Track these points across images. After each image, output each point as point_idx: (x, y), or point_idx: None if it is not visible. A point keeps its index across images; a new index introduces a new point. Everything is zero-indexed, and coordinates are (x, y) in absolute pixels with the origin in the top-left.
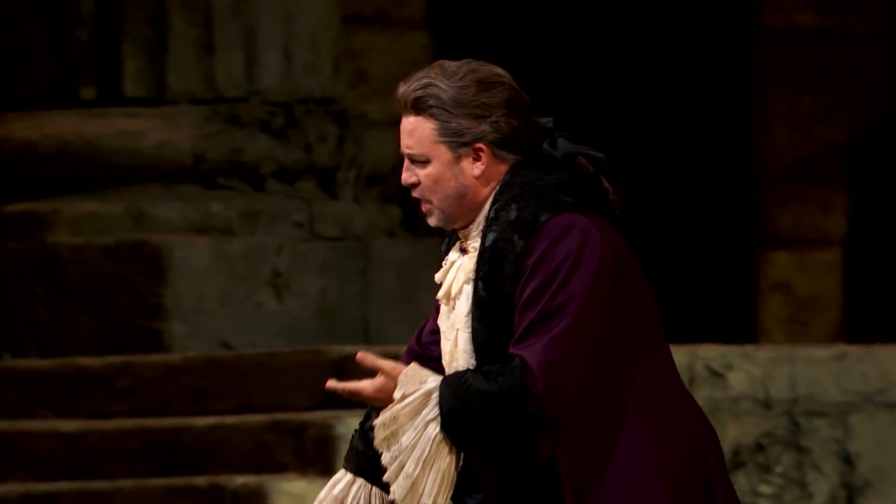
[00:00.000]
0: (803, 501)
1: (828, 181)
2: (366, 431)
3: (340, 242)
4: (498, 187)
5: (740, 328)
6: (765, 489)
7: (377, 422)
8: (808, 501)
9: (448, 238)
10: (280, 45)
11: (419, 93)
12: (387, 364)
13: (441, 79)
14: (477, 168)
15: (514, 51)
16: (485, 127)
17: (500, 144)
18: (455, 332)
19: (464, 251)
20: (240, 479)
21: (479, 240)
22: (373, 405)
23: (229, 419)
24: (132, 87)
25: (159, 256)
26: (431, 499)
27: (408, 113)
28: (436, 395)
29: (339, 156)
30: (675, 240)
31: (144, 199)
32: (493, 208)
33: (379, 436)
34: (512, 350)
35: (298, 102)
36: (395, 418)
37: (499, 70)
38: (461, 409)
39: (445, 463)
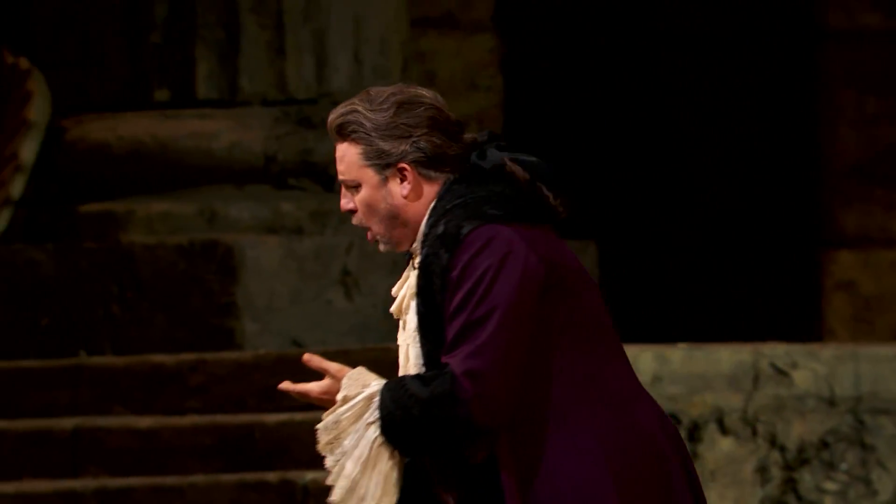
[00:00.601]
0: (868, 498)
1: (892, 181)
2: None
3: None
4: (431, 206)
5: (805, 327)
6: (830, 486)
7: (320, 425)
8: (873, 499)
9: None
10: (350, 47)
11: (341, 119)
12: (332, 366)
13: (363, 104)
14: (404, 188)
15: (582, 53)
16: (405, 147)
17: (424, 163)
18: (406, 347)
19: (416, 268)
20: (310, 475)
21: (420, 257)
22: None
23: (300, 416)
24: (205, 89)
25: (231, 255)
26: (374, 501)
27: (336, 140)
28: (377, 398)
29: None
30: (741, 240)
31: (217, 199)
32: (427, 225)
33: (322, 439)
34: (443, 359)
35: None
36: (337, 422)
37: (422, 91)
38: (399, 413)
39: (387, 466)
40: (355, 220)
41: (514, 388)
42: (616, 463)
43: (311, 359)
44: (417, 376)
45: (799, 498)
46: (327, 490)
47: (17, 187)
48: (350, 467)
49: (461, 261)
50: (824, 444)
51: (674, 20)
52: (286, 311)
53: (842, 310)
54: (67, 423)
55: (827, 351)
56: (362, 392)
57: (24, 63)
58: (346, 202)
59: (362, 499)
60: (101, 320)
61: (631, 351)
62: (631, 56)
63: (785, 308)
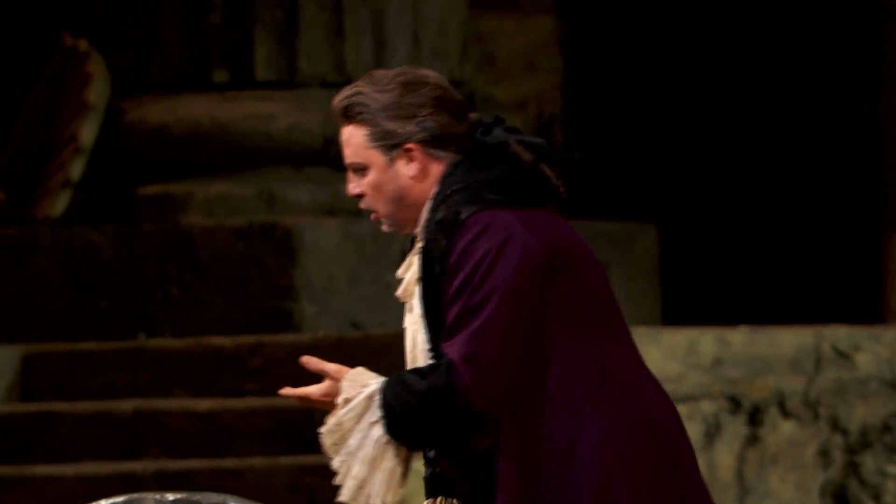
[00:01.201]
0: None
1: None
2: (425, 455)
3: None
4: (435, 190)
5: (867, 309)
6: (892, 470)
7: (324, 429)
8: None
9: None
10: (408, 29)
11: (346, 101)
12: (331, 367)
13: (368, 86)
14: (411, 168)
15: (641, 34)
16: (412, 127)
17: (431, 143)
18: (413, 330)
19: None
20: None
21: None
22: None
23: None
24: (263, 70)
25: (290, 238)
26: (380, 499)
27: (342, 123)
28: (378, 397)
29: None
30: (802, 222)
31: (275, 181)
32: (429, 209)
33: (327, 442)
34: (441, 346)
35: None
36: (339, 424)
37: (427, 72)
38: (399, 409)
39: (392, 463)
40: (363, 204)
41: (512, 374)
42: (622, 446)
43: (310, 361)
44: (415, 370)
45: (861, 482)
46: None
47: (76, 170)
48: (357, 467)
49: (459, 246)
50: (887, 428)
51: (733, 1)
52: (344, 294)
53: None
54: (127, 405)
55: (889, 333)
56: (362, 392)
57: (83, 45)
58: (353, 186)
59: (370, 497)
60: (159, 303)
61: (691, 334)
62: (690, 37)
63: (847, 290)
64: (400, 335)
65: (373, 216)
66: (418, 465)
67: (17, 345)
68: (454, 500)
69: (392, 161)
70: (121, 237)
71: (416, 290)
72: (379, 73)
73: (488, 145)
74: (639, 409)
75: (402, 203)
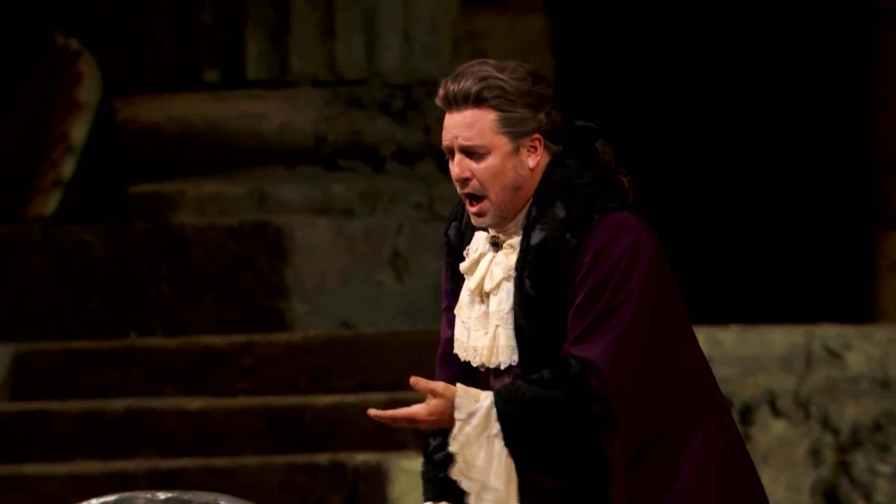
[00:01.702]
0: None
1: None
2: (432, 458)
3: None
4: (539, 184)
5: (858, 308)
6: (883, 469)
7: (453, 448)
8: None
9: (458, 222)
10: (400, 27)
11: (481, 84)
12: (439, 386)
13: (496, 72)
14: (532, 159)
15: (633, 33)
16: (542, 117)
17: (551, 136)
18: (494, 328)
19: (496, 245)
20: (360, 457)
21: (516, 236)
22: (429, 429)
23: (350, 397)
24: (255, 69)
25: (281, 237)
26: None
27: (464, 106)
28: (494, 410)
29: None
30: (793, 221)
31: (267, 180)
32: (536, 206)
33: (458, 463)
34: (571, 350)
35: (418, 84)
36: (468, 440)
37: (537, 68)
38: (521, 420)
39: (514, 475)
40: (470, 189)
41: (637, 376)
42: (721, 464)
43: (418, 382)
44: (532, 381)
45: (852, 481)
46: (377, 471)
47: (67, 168)
48: (494, 481)
49: (593, 246)
50: (878, 427)
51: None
52: (336, 293)
53: (895, 291)
54: (119, 404)
55: (880, 332)
56: (479, 407)
57: (74, 44)
58: (461, 170)
59: None
60: (151, 301)
61: None
62: (682, 35)
63: (838, 289)
64: (392, 334)
65: (477, 206)
66: (410, 465)
67: (8, 343)
68: None
69: (517, 150)
70: (112, 236)
71: (505, 286)
72: (492, 62)
73: (583, 147)
74: (723, 417)
75: (517, 193)
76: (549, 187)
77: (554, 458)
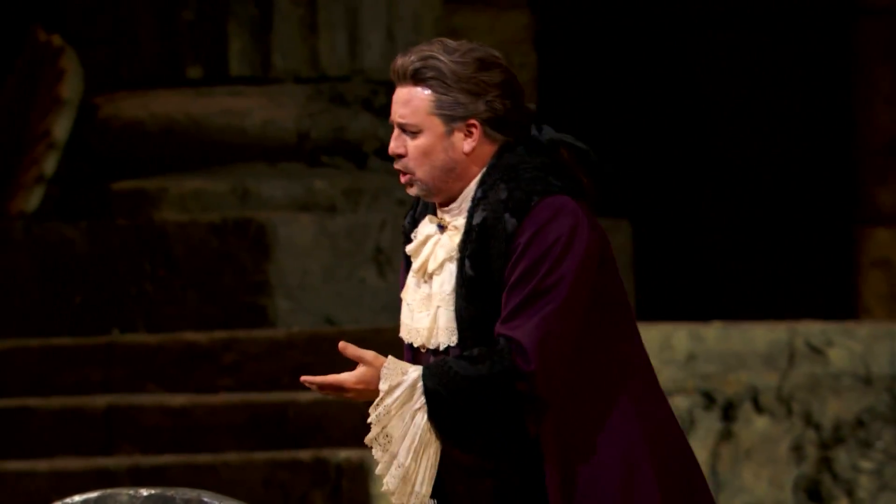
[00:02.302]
0: None
1: None
2: None
3: None
4: (486, 168)
5: (841, 305)
6: (865, 465)
7: (372, 418)
8: None
9: (413, 211)
10: (383, 24)
11: (419, 63)
12: (368, 354)
13: (442, 53)
14: (467, 144)
15: (616, 31)
16: (480, 105)
17: (491, 124)
18: (435, 308)
19: (441, 227)
20: (343, 454)
21: (460, 218)
22: (357, 400)
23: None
24: (237, 66)
25: (264, 233)
26: (423, 487)
27: (405, 83)
28: (420, 384)
29: None
30: (776, 218)
31: (249, 176)
32: (481, 188)
33: (373, 432)
34: (500, 329)
35: None
36: (388, 412)
37: (496, 52)
38: (447, 396)
39: (433, 451)
40: (399, 165)
41: (568, 361)
42: (655, 445)
43: (347, 347)
44: (461, 357)
45: (834, 477)
46: (360, 468)
47: (49, 165)
48: (402, 456)
49: (530, 228)
50: (860, 423)
51: None
52: (319, 290)
53: (878, 287)
54: (100, 400)
55: (863, 329)
56: (404, 379)
57: (56, 40)
58: (397, 145)
59: (414, 486)
60: (133, 298)
61: (665, 329)
62: (665, 34)
63: (820, 286)
64: (375, 331)
65: (404, 178)
66: None
67: None
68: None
69: (450, 132)
70: (94, 232)
71: (449, 267)
72: (450, 42)
73: (536, 140)
74: (663, 402)
75: (450, 175)
76: (495, 170)
77: (481, 437)
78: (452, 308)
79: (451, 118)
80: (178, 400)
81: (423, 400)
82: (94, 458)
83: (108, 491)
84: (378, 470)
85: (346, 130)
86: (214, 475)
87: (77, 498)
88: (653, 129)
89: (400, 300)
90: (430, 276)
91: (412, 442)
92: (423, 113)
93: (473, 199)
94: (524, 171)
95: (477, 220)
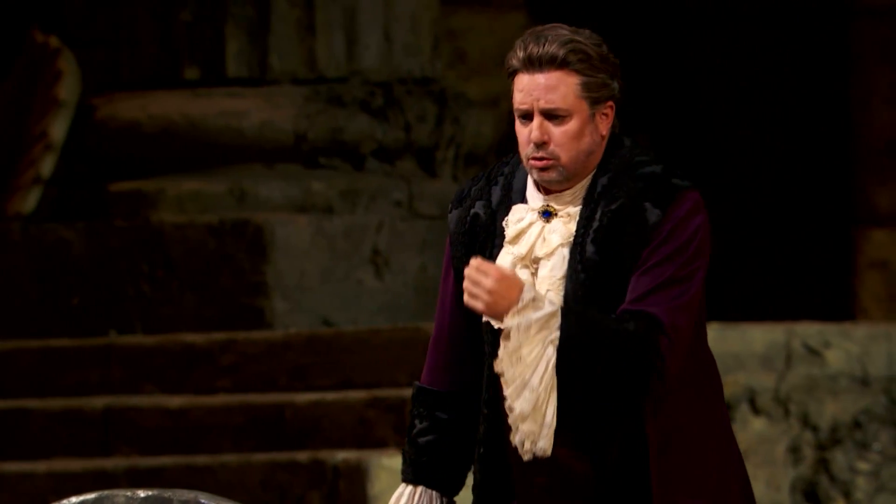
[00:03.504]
0: None
1: None
2: (416, 441)
3: (439, 221)
4: (602, 157)
5: (838, 306)
6: (862, 466)
7: (508, 324)
8: None
9: (484, 205)
10: (380, 25)
11: (567, 47)
12: (507, 269)
13: (582, 38)
14: (605, 126)
15: (612, 31)
16: (616, 85)
17: (619, 105)
18: (545, 293)
19: (548, 214)
20: (341, 455)
21: (572, 206)
22: (481, 309)
23: (330, 395)
24: (235, 67)
25: (261, 234)
26: (553, 420)
27: (549, 69)
28: (559, 318)
29: (438, 135)
30: (774, 219)
31: (247, 178)
32: (604, 176)
33: (510, 346)
34: (634, 306)
35: (398, 82)
36: (528, 326)
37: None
38: (584, 337)
39: (555, 393)
40: (544, 152)
41: (686, 354)
42: (732, 445)
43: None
44: (607, 314)
45: (831, 478)
46: (357, 469)
47: (47, 166)
48: (536, 383)
49: (674, 217)
50: (857, 424)
51: None
52: (316, 290)
53: (875, 289)
54: (98, 402)
55: (860, 330)
56: (547, 304)
57: (54, 42)
58: (540, 133)
59: (545, 416)
60: (131, 299)
61: None
62: (663, 34)
63: (818, 287)
64: (372, 332)
65: (545, 162)
66: (390, 463)
67: None
68: (434, 492)
69: (593, 116)
70: (92, 234)
71: (561, 252)
72: (570, 27)
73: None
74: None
75: (589, 158)
76: (619, 159)
77: (598, 393)
78: (562, 293)
79: (597, 100)
80: (176, 401)
81: (557, 333)
82: (92, 460)
83: (106, 492)
84: (507, 393)
85: (343, 132)
86: (212, 476)
87: (74, 499)
88: (650, 130)
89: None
90: (537, 262)
91: (545, 371)
92: (572, 97)
93: (594, 187)
94: (648, 162)
95: (610, 206)
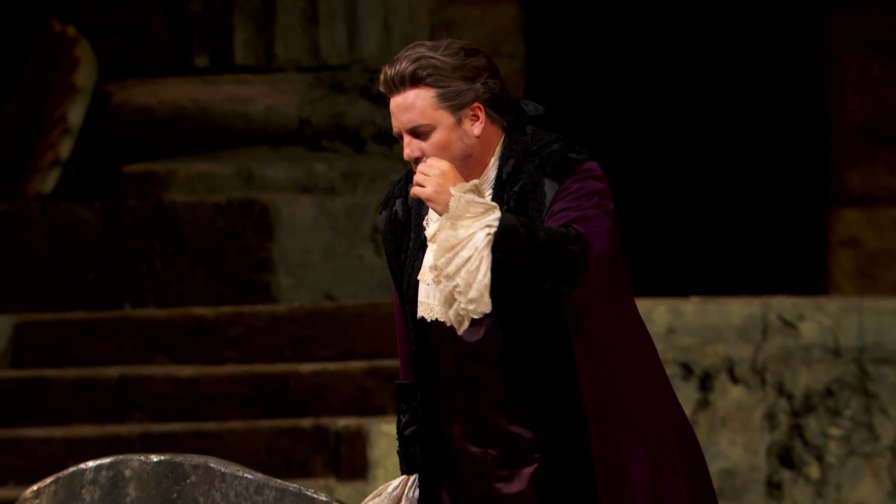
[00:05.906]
0: (870, 443)
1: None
2: (403, 434)
3: None
4: (501, 148)
5: (812, 281)
6: (834, 432)
7: (458, 190)
8: (876, 443)
9: (402, 202)
10: (380, 16)
11: (414, 66)
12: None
13: (430, 51)
14: (477, 128)
15: (600, 22)
16: (478, 87)
17: (491, 104)
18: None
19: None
20: (342, 422)
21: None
22: (426, 195)
23: (332, 365)
24: (242, 55)
25: (267, 214)
26: (486, 278)
27: (403, 89)
28: (497, 211)
29: None
30: (751, 198)
31: (253, 160)
32: (508, 164)
33: (453, 207)
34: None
35: None
36: (468, 204)
37: (471, 43)
38: (521, 230)
39: (485, 277)
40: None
41: (605, 278)
42: (676, 408)
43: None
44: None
45: (805, 443)
46: (358, 435)
47: (65, 149)
48: (466, 253)
49: (575, 180)
50: (829, 393)
51: None
52: (319, 267)
53: (847, 265)
54: (113, 371)
55: (832, 304)
56: (484, 198)
57: (71, 31)
58: (412, 150)
59: (477, 275)
60: (144, 275)
61: (645, 304)
62: (646, 24)
63: (792, 263)
64: (372, 306)
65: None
66: (389, 429)
67: (9, 314)
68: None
69: (460, 121)
70: (107, 213)
71: None
72: (428, 42)
73: (535, 116)
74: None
75: (468, 161)
76: (520, 146)
77: (520, 293)
78: None
79: (458, 107)
80: (187, 371)
81: (497, 223)
82: (107, 426)
83: (120, 457)
84: (436, 258)
85: (344, 116)
86: (220, 442)
87: (91, 464)
88: (635, 115)
89: (394, 279)
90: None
91: (476, 249)
92: (430, 110)
93: (500, 177)
94: (548, 143)
95: (514, 188)
